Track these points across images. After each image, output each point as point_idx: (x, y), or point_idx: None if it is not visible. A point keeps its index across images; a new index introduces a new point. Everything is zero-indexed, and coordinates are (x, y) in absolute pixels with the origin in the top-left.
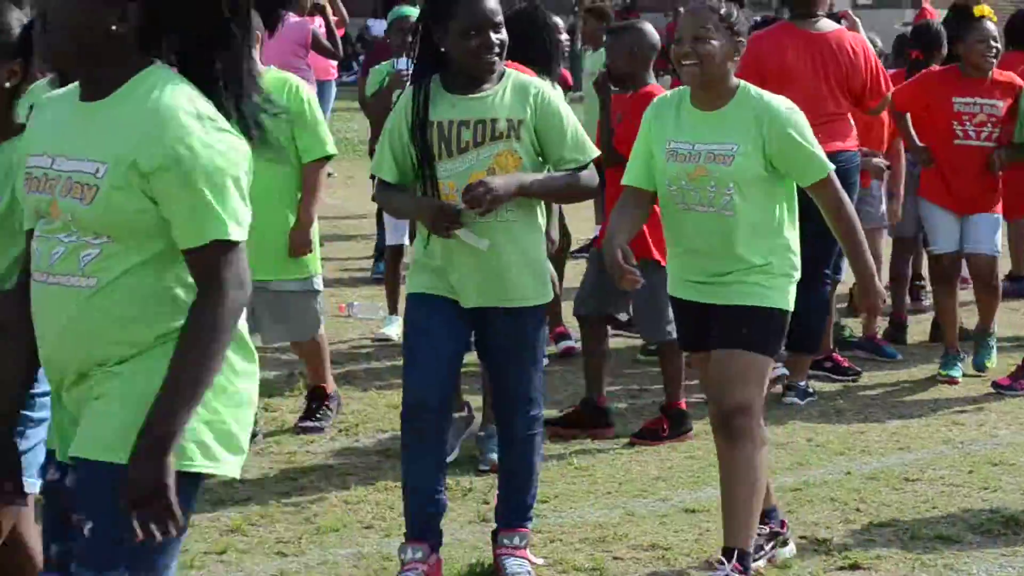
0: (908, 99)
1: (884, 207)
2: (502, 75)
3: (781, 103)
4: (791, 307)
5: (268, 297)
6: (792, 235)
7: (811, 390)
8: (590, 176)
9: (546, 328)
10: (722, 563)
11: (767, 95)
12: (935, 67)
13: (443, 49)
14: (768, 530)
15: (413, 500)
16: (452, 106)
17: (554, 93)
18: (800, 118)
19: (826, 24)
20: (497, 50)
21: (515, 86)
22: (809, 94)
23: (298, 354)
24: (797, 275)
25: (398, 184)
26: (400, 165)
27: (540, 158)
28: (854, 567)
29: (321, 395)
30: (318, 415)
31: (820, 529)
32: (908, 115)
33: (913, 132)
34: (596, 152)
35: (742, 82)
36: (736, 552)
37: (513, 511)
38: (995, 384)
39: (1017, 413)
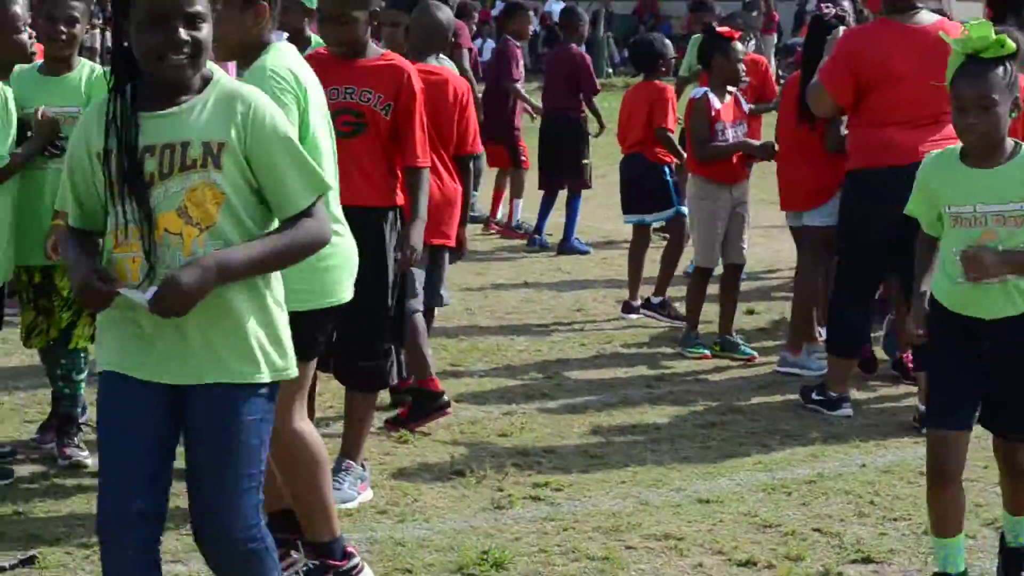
0: None
1: None
2: (208, 82)
3: None
4: None
5: None
6: None
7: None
8: (316, 227)
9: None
10: None
11: None
12: None
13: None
14: None
15: None
16: (135, 127)
17: (275, 109)
18: None
19: (926, 16)
20: (187, 50)
21: (220, 97)
22: (920, 95)
23: None
24: None
25: (85, 229)
26: (86, 204)
27: (256, 195)
28: (867, 560)
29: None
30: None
31: (834, 522)
32: None
33: None
34: (327, 186)
35: None
36: None
37: None
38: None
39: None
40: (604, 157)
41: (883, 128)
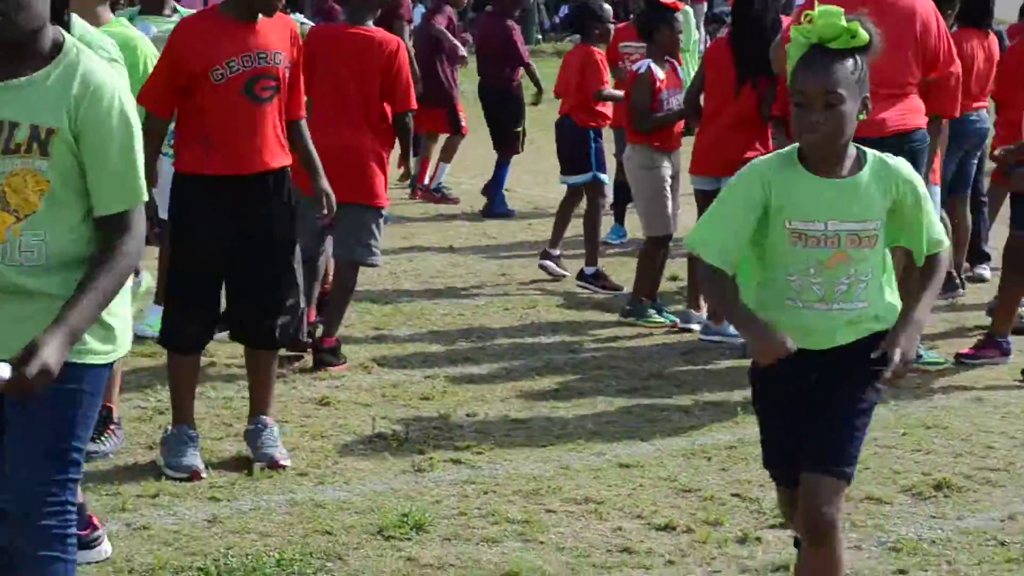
0: None
1: None
2: (58, 50)
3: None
4: None
5: None
6: None
7: None
8: (134, 248)
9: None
10: None
11: None
12: None
13: None
14: None
15: None
16: None
17: (120, 95)
18: None
19: None
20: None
21: (63, 73)
22: (885, 65)
23: None
24: None
25: None
26: None
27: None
28: (785, 526)
29: (106, 415)
30: (100, 438)
31: (753, 487)
32: None
33: None
34: (142, 199)
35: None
36: None
37: None
38: (959, 355)
39: (952, 376)
40: (535, 123)
41: None
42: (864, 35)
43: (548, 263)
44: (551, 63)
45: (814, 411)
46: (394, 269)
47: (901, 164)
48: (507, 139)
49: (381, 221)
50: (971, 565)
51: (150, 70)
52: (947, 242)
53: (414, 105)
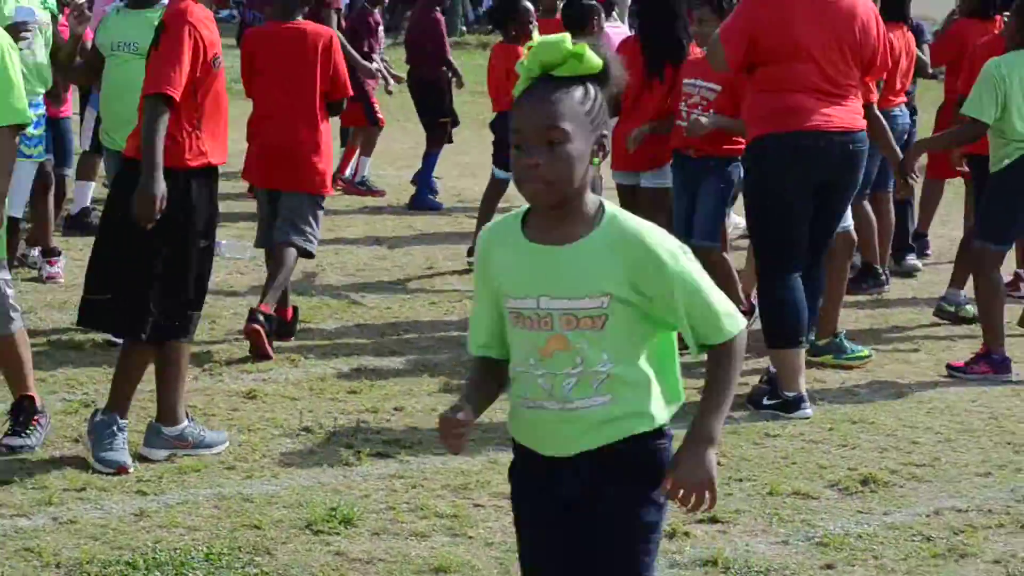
0: None
1: None
2: None
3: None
4: None
5: None
6: None
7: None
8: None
9: None
10: None
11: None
12: None
13: None
14: None
15: None
16: None
17: None
18: None
19: None
20: None
21: None
22: (824, 66)
23: None
24: None
25: None
26: None
27: None
28: (713, 520)
29: (29, 407)
30: (26, 431)
31: None
32: None
33: None
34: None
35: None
36: None
37: None
38: (949, 367)
39: (878, 373)
40: (463, 116)
41: (788, 94)
42: (595, 59)
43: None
44: (476, 55)
45: (581, 537)
46: (320, 262)
47: (646, 230)
48: (434, 129)
49: (320, 212)
50: (897, 560)
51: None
52: (735, 332)
53: (349, 92)
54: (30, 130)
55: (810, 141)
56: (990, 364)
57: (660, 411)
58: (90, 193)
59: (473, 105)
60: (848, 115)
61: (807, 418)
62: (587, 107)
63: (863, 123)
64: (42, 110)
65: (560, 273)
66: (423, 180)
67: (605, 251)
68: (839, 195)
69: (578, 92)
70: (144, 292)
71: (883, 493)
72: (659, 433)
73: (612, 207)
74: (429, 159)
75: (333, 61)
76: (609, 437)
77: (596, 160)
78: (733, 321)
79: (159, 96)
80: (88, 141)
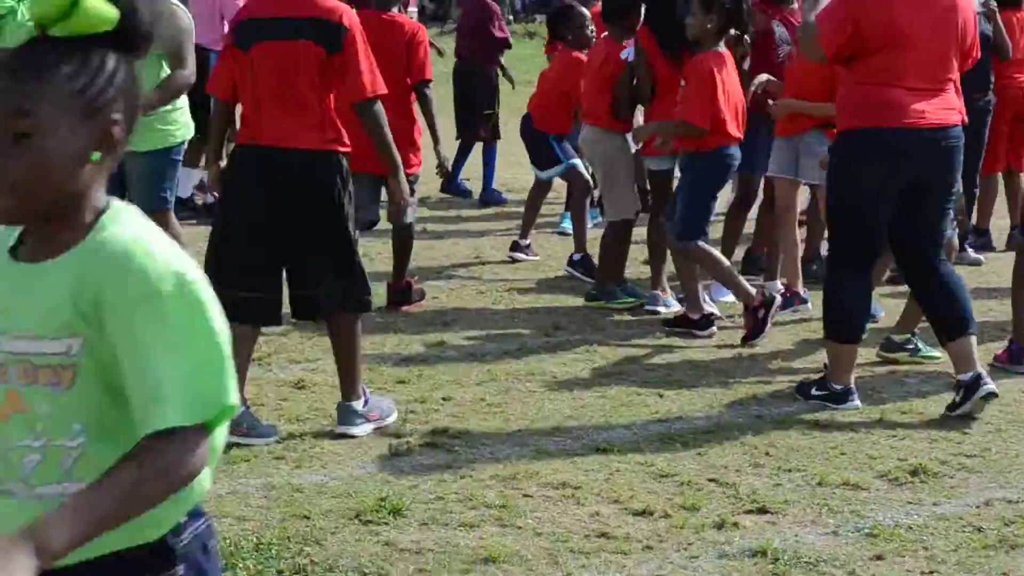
0: None
1: None
2: None
3: None
4: None
5: None
6: None
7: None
8: None
9: None
10: None
11: None
12: None
13: None
14: None
15: None
16: None
17: None
18: None
19: None
20: None
21: None
22: (928, 59)
23: None
24: None
25: None
26: None
27: None
28: (762, 511)
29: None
30: None
31: (730, 472)
32: None
33: None
34: None
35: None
36: None
37: None
38: (996, 358)
39: (926, 363)
40: (506, 107)
41: (884, 88)
42: (105, 12)
43: (518, 254)
44: (522, 44)
45: None
46: (368, 251)
47: (138, 247)
48: (475, 124)
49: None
50: (948, 551)
51: None
52: (184, 424)
53: (430, 75)
54: None
55: (901, 138)
56: (1008, 355)
57: (169, 509)
58: (194, 180)
59: (517, 96)
60: (943, 110)
61: (856, 409)
62: (79, 83)
63: (958, 118)
64: None
65: (18, 300)
66: (487, 177)
67: (79, 274)
68: (933, 195)
69: (71, 63)
70: (353, 268)
71: (933, 484)
72: (166, 547)
73: (120, 211)
74: (488, 155)
75: (418, 49)
76: (96, 549)
77: (95, 156)
78: (191, 412)
79: (376, 98)
80: None
